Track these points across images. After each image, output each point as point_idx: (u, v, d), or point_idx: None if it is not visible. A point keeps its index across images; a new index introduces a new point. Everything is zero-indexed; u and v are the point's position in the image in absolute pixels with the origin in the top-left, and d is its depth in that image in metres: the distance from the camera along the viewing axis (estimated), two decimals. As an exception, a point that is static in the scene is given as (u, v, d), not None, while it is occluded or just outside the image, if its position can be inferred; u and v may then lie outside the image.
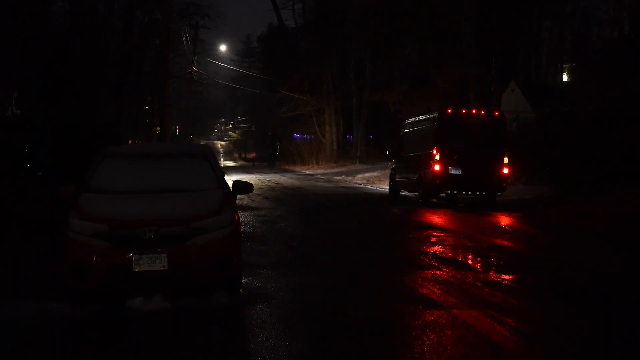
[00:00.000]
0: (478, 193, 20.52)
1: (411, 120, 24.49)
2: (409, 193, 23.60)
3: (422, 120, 22.65)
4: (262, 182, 33.28)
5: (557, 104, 29.27)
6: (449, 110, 21.19)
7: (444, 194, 21.15)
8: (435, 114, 21.20)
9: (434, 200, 21.72)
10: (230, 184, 9.16)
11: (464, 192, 20.56)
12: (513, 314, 7.37)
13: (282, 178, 38.93)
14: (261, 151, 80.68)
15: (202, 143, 66.91)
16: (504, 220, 16.92)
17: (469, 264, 10.54)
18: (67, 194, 8.45)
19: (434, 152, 20.17)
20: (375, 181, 33.69)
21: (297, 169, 54.64)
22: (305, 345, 6.35)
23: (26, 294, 8.13)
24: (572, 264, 10.77)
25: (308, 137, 60.23)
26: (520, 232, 14.54)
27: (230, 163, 75.91)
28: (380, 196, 24.83)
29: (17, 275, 9.61)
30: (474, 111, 21.27)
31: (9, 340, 6.75)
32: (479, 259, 10.95)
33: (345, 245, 12.55)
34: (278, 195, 24.72)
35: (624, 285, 9.47)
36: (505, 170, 20.35)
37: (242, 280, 8.62)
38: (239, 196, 9.57)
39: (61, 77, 22.00)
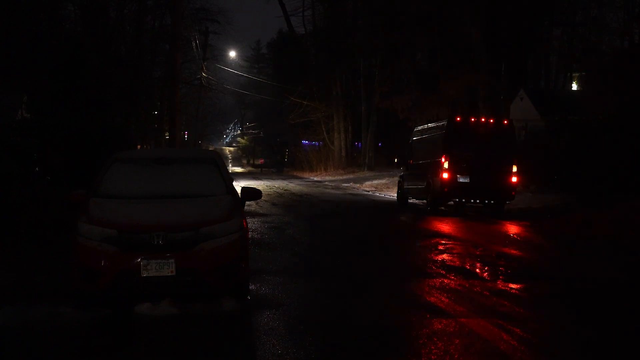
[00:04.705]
0: (486, 201, 20.46)
1: (420, 127, 24.46)
2: (417, 201, 23.57)
3: (431, 127, 22.61)
4: (270, 188, 33.29)
5: (566, 113, 29.17)
6: (458, 118, 21.17)
7: (452, 202, 21.10)
8: (444, 122, 21.16)
9: (442, 208, 21.67)
10: (238, 190, 9.18)
11: (472, 201, 20.50)
12: (521, 324, 7.34)
13: (290, 185, 38.94)
14: (269, 157, 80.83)
15: (210, 149, 67.09)
16: (512, 229, 16.88)
17: (477, 273, 10.52)
18: (78, 199, 8.48)
19: (443, 160, 20.14)
20: (384, 189, 33.65)
21: (305, 175, 54.64)
22: (313, 353, 6.34)
23: (36, 298, 8.16)
24: (581, 274, 10.72)
25: (316, 143, 60.24)
26: (528, 241, 14.50)
27: (238, 169, 76.02)
28: (388, 204, 24.80)
29: (27, 279, 9.63)
30: (483, 119, 21.24)
31: (19, 344, 6.77)
32: (486, 268, 10.93)
33: (353, 252, 12.54)
34: (286, 202, 24.73)
35: (633, 295, 9.42)
36: (514, 179, 20.29)
37: (250, 287, 8.63)
38: (247, 202, 9.57)
39: (72, 81, 22.06)
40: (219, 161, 9.40)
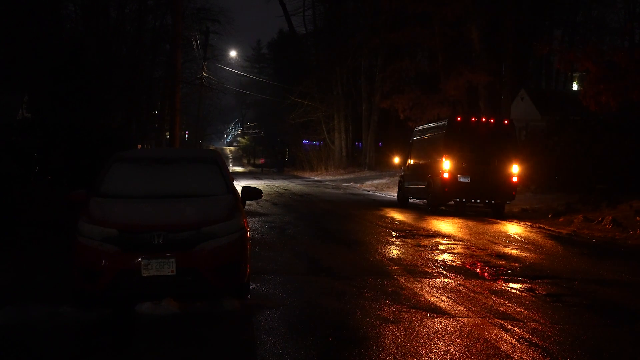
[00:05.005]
0: (487, 201, 20.46)
1: (420, 127, 24.46)
2: (418, 200, 23.57)
3: (432, 127, 22.62)
4: (270, 188, 33.31)
5: (567, 113, 29.21)
6: (459, 118, 21.15)
7: (452, 202, 21.10)
8: (445, 122, 21.17)
9: (443, 208, 21.68)
10: (239, 189, 9.18)
11: (472, 200, 20.51)
12: (522, 323, 7.35)
13: (291, 184, 38.95)
14: (270, 157, 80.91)
15: (211, 148, 67.09)
16: (513, 229, 16.88)
17: (477, 273, 10.52)
18: (78, 198, 8.48)
19: (443, 159, 20.14)
20: (384, 188, 33.66)
21: (306, 175, 54.67)
22: (313, 352, 6.34)
23: (36, 298, 8.16)
24: (581, 274, 10.72)
25: (317, 143, 60.29)
26: (529, 241, 14.49)
27: (239, 169, 76.05)
28: (389, 203, 24.81)
29: (28, 279, 9.63)
30: (483, 119, 21.22)
31: (19, 344, 6.77)
32: (487, 268, 10.93)
33: (353, 252, 12.53)
34: (286, 202, 24.73)
35: (634, 295, 9.42)
36: (515, 179, 20.28)
37: (250, 286, 8.63)
38: (247, 202, 9.56)
39: (73, 81, 22.07)
40: (220, 161, 9.40)
